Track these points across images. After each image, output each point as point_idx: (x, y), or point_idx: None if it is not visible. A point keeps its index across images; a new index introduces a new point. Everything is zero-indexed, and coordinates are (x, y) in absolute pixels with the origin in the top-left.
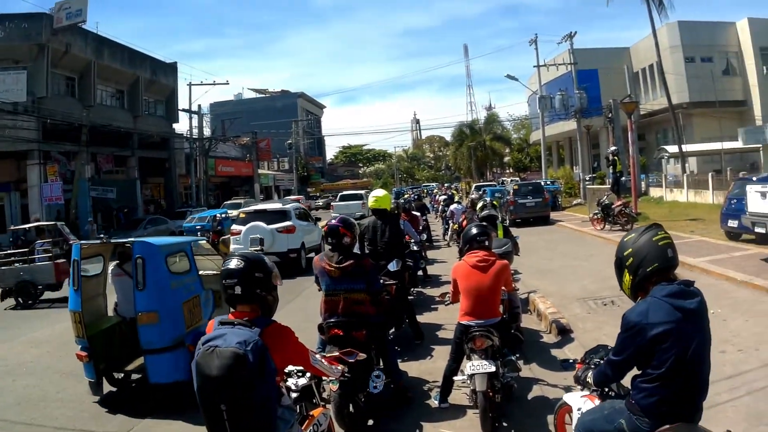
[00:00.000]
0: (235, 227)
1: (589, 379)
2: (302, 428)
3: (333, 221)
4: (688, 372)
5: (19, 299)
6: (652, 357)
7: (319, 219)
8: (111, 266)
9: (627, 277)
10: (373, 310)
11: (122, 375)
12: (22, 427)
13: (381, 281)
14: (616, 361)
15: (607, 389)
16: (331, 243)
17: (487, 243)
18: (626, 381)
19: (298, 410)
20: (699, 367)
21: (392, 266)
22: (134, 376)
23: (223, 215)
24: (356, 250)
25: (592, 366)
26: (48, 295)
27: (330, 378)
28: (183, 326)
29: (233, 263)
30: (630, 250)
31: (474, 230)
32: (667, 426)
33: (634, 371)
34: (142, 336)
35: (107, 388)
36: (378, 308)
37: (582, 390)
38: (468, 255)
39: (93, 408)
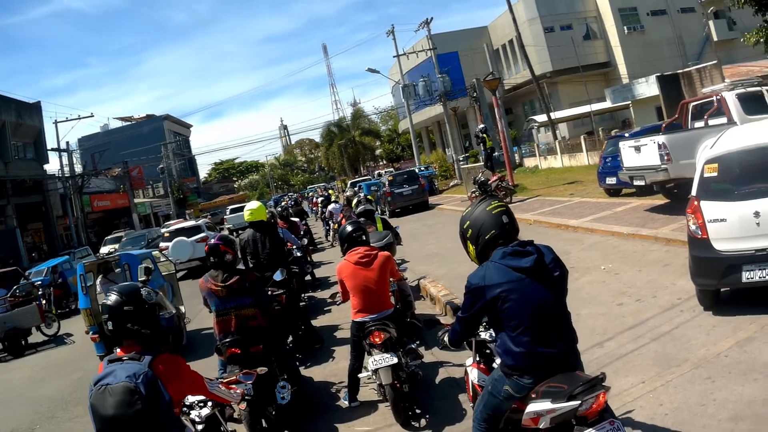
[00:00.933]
0: (162, 244)
1: (446, 339)
2: None
3: (212, 240)
4: (542, 323)
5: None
6: (500, 317)
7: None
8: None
9: (471, 248)
10: (265, 322)
11: None
12: None
13: (269, 292)
14: (463, 317)
15: (488, 351)
16: (214, 262)
17: (364, 238)
18: None
19: None
20: (554, 317)
21: (277, 276)
22: None
23: (66, 264)
24: (240, 265)
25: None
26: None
27: (231, 402)
28: None
29: (109, 299)
30: (468, 222)
31: (348, 228)
32: (549, 380)
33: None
34: None
35: None
36: (270, 320)
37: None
38: (349, 254)
39: None
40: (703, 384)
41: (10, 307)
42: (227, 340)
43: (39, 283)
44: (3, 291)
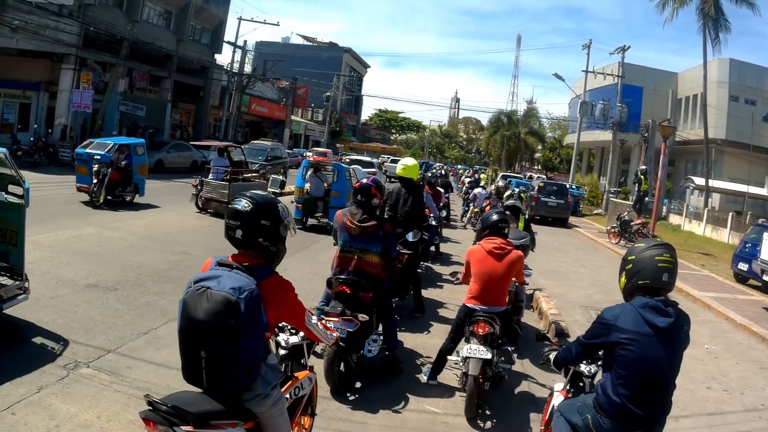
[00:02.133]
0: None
1: (551, 356)
2: (282, 390)
3: (365, 180)
4: (647, 385)
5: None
6: (612, 361)
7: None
8: None
9: (623, 279)
10: (384, 274)
11: None
12: (8, 326)
13: (397, 249)
14: (583, 342)
15: (581, 384)
16: (360, 201)
17: (506, 231)
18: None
19: (282, 370)
20: (660, 385)
21: (411, 236)
22: None
23: (137, 146)
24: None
25: (559, 348)
26: None
27: (322, 342)
28: None
29: (241, 204)
30: (633, 257)
31: (495, 216)
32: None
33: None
34: None
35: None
36: (389, 274)
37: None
38: (485, 240)
39: (84, 320)
40: None
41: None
42: (342, 277)
43: (97, 158)
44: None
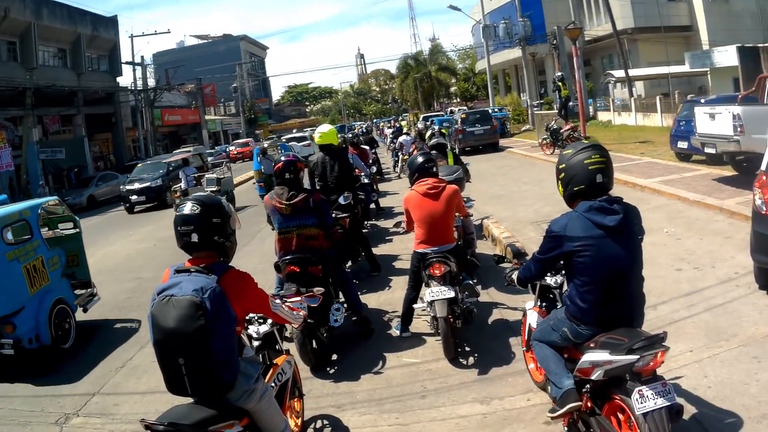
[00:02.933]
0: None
1: (514, 276)
2: (265, 380)
3: (285, 157)
4: (612, 284)
5: None
6: (572, 270)
7: None
8: None
9: (560, 188)
10: (327, 244)
11: None
12: None
13: (333, 215)
14: (540, 258)
15: (551, 296)
16: (288, 178)
17: (434, 169)
18: None
19: (260, 360)
20: (625, 281)
21: (342, 199)
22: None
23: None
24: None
25: (520, 267)
26: None
27: (292, 323)
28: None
29: (188, 208)
30: (564, 165)
31: (420, 158)
32: (609, 332)
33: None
34: None
35: None
36: (331, 242)
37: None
38: (417, 184)
39: (64, 369)
40: (749, 363)
41: None
42: (287, 257)
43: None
44: None
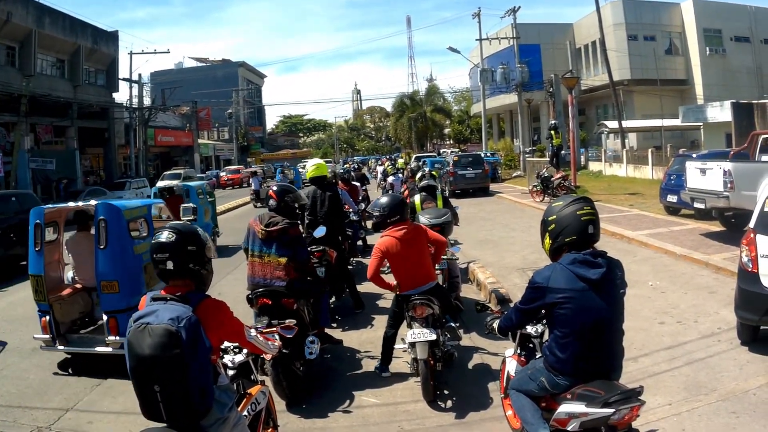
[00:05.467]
0: None
1: (495, 325)
2: (239, 409)
3: (275, 187)
4: (592, 337)
5: None
6: (553, 320)
7: None
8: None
9: (547, 240)
10: (295, 275)
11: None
12: None
13: (310, 248)
14: (521, 308)
15: (531, 345)
16: (280, 207)
17: (406, 213)
18: None
19: (235, 389)
20: (605, 334)
21: (318, 232)
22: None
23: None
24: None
25: (501, 316)
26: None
27: (267, 354)
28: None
29: (164, 236)
30: (554, 216)
31: (396, 201)
32: (586, 384)
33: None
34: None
35: (61, 356)
36: (304, 275)
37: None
38: (393, 229)
39: (37, 384)
40: (727, 417)
41: None
42: (259, 290)
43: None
44: None
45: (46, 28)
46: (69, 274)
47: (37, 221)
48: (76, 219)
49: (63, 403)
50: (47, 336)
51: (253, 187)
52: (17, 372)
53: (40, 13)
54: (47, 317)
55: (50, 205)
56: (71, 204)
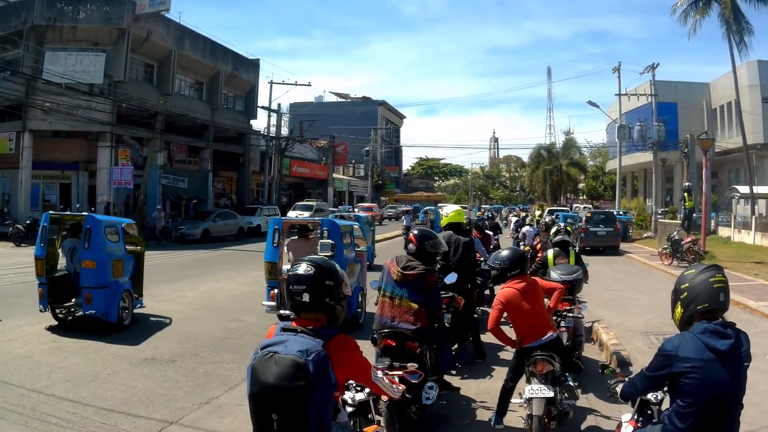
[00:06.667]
0: None
1: (618, 389)
2: None
3: (416, 231)
4: (714, 410)
5: None
6: (677, 390)
7: None
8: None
9: (678, 309)
10: (426, 321)
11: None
12: (68, 404)
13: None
14: (647, 375)
15: (649, 412)
16: (418, 251)
17: (525, 267)
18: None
19: (352, 426)
20: (727, 408)
21: (449, 279)
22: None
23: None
24: None
25: (625, 380)
26: None
27: (391, 396)
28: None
29: (302, 268)
30: (687, 284)
31: (518, 254)
32: None
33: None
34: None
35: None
36: (433, 322)
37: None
38: (514, 281)
39: (144, 393)
40: None
41: None
42: (384, 331)
43: None
44: None
45: (185, 49)
46: (285, 267)
47: (276, 227)
48: (299, 229)
49: (168, 415)
50: (273, 303)
51: (404, 224)
52: (125, 379)
53: (180, 34)
54: (275, 290)
55: (285, 217)
56: (293, 219)
